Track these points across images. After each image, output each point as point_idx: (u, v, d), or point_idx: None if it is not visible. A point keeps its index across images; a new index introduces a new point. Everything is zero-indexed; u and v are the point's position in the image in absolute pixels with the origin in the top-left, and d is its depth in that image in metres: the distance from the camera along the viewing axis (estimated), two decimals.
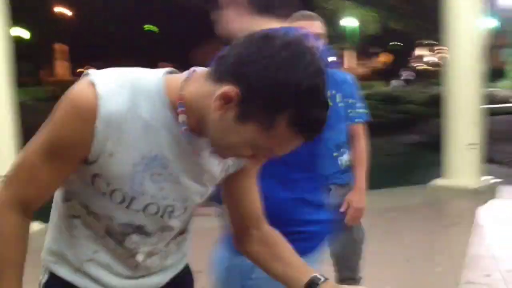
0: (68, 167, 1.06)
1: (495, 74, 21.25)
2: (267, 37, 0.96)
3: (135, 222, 1.13)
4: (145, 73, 1.06)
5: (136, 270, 1.20)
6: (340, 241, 2.61)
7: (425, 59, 32.27)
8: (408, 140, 13.45)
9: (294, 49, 0.95)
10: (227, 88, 0.95)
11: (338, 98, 2.54)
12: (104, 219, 1.13)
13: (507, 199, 6.03)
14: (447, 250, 4.48)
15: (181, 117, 1.02)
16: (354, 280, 2.70)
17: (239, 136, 0.98)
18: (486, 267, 4.03)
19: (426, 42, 22.57)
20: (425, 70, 28.27)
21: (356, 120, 2.64)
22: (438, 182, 6.21)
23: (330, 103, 2.69)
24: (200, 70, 1.06)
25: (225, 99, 0.95)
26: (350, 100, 2.60)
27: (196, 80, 1.03)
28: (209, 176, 1.14)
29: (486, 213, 5.61)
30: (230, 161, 1.16)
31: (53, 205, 1.22)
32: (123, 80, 1.02)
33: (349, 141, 2.63)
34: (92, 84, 1.00)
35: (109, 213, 1.12)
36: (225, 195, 1.25)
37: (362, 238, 2.71)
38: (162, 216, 1.14)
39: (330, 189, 2.51)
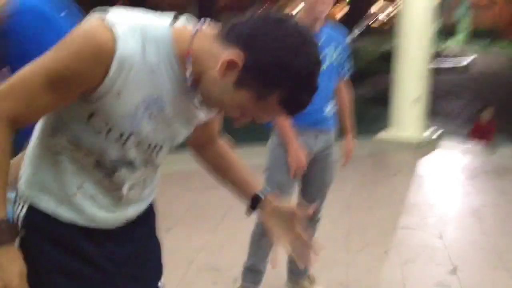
0: (68, 100, 1.09)
1: (447, 32, 21.70)
2: (281, 20, 1.05)
3: (126, 158, 1.19)
4: (153, 19, 1.11)
5: (119, 203, 1.25)
6: (312, 181, 2.80)
7: (380, 15, 32.48)
8: (358, 94, 13.71)
9: (302, 37, 1.05)
10: (235, 55, 1.03)
11: (335, 53, 2.69)
12: (95, 154, 1.17)
13: (446, 152, 6.36)
14: (387, 198, 4.74)
15: (189, 71, 1.10)
16: (313, 220, 2.87)
17: (232, 99, 1.08)
18: (422, 213, 4.32)
19: None
20: (379, 26, 28.49)
21: (346, 75, 2.85)
22: (384, 134, 6.46)
23: (330, 60, 2.76)
24: (208, 26, 1.12)
25: (231, 65, 1.04)
26: (345, 57, 2.77)
27: (205, 37, 1.10)
28: (197, 121, 1.25)
29: (426, 164, 5.93)
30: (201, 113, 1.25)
31: (34, 137, 1.23)
32: (135, 23, 1.07)
33: (336, 93, 2.81)
34: (110, 24, 1.04)
35: (101, 149, 1.16)
36: None
37: (331, 182, 2.88)
38: (151, 153, 1.22)
39: (316, 134, 2.71)
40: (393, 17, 21.64)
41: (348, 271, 3.30)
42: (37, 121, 1.19)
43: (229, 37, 1.06)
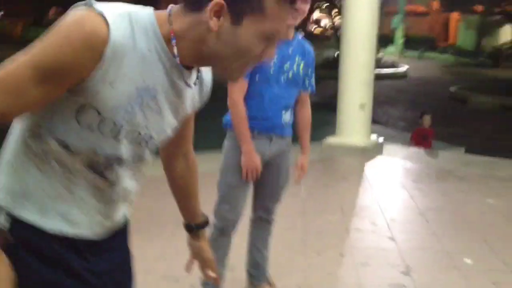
0: (58, 93, 1.04)
1: (383, 40, 22.41)
2: None
3: (117, 152, 1.15)
4: (136, 7, 1.09)
5: (110, 205, 1.22)
6: (267, 184, 2.83)
7: (322, 22, 33.20)
8: None
9: None
10: (214, 1, 1.02)
11: (302, 64, 2.71)
12: (85, 153, 1.12)
13: (391, 156, 6.57)
14: (339, 202, 4.84)
15: (176, 49, 1.08)
16: (267, 221, 2.92)
17: (244, 37, 1.05)
18: (372, 216, 4.45)
19: (325, 5, 23.27)
20: (321, 33, 29.13)
21: (309, 89, 2.84)
22: (332, 140, 6.60)
23: (295, 70, 2.84)
24: (175, 7, 1.11)
25: (216, 11, 1.02)
26: (310, 70, 2.78)
27: (177, 16, 1.08)
28: (182, 111, 1.23)
29: (372, 168, 6.10)
30: (196, 96, 1.26)
31: (12, 141, 1.17)
32: (122, 11, 1.05)
33: (297, 107, 2.82)
34: (99, 12, 1.01)
35: (92, 146, 1.11)
36: None
37: (284, 185, 2.90)
38: (141, 145, 1.18)
39: (271, 139, 2.73)
40: (334, 24, 22.17)
41: (306, 275, 3.35)
42: (18, 115, 1.10)
43: (194, 1, 1.06)
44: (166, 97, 1.14)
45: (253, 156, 2.63)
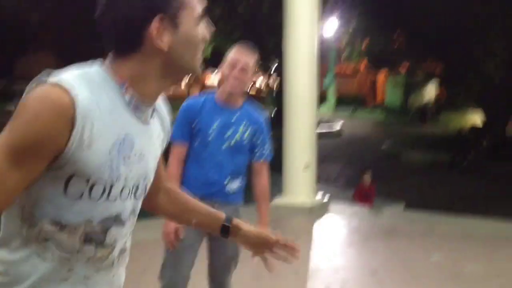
0: (39, 167, 1.03)
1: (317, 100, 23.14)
2: None
3: (113, 212, 1.14)
4: (84, 67, 1.11)
5: (111, 273, 1.20)
6: (216, 256, 2.78)
7: (257, 83, 34.05)
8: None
9: None
10: (153, 25, 1.08)
11: (248, 132, 2.68)
12: (81, 227, 1.11)
13: (337, 215, 6.68)
14: (291, 264, 4.79)
15: (128, 93, 1.12)
16: None
17: (189, 32, 1.13)
18: (326, 278, 4.45)
19: (259, 65, 24.00)
20: (256, 94, 29.82)
21: (263, 158, 2.77)
22: (279, 201, 6.64)
23: (238, 138, 2.82)
24: (112, 57, 1.13)
25: (158, 33, 1.08)
26: (260, 139, 2.73)
27: (120, 64, 1.12)
28: (155, 150, 1.24)
29: (321, 228, 6.16)
30: (161, 132, 1.27)
31: (5, 227, 1.13)
32: (75, 75, 1.07)
33: (252, 176, 2.78)
34: (57, 82, 1.02)
35: (87, 216, 1.10)
36: None
37: (236, 256, 2.82)
38: (132, 198, 1.18)
39: (213, 206, 2.65)
40: (269, 85, 22.77)
41: None
42: (8, 205, 1.07)
43: (121, 42, 1.10)
44: (141, 140, 1.16)
45: (168, 225, 2.60)
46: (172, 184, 1.48)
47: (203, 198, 2.62)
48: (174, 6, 1.10)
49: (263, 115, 2.81)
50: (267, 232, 1.49)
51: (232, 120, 2.66)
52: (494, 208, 8.55)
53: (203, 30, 1.16)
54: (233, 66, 2.61)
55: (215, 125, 2.63)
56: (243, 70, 2.58)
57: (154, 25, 1.08)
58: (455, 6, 13.05)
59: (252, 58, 2.64)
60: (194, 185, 2.57)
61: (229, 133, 2.65)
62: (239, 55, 2.62)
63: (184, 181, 2.66)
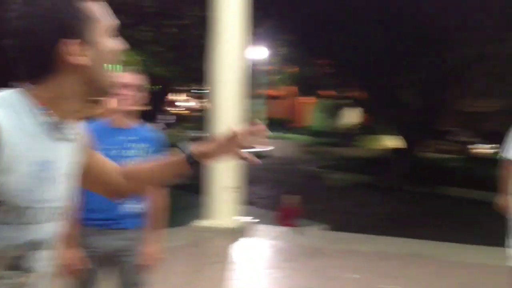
0: None
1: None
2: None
3: (33, 236, 1.11)
4: (2, 92, 1.10)
5: None
6: (118, 283, 2.66)
7: (184, 104, 33.93)
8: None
9: None
10: (69, 48, 1.08)
11: (142, 153, 2.62)
12: (5, 253, 1.08)
13: (261, 237, 6.62)
14: (214, 287, 4.69)
15: (48, 116, 1.11)
16: None
17: (103, 44, 1.14)
18: None
19: (180, 88, 23.97)
20: (180, 115, 29.70)
21: None
22: (199, 223, 6.51)
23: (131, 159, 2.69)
24: (27, 82, 1.12)
25: (67, 46, 1.08)
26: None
27: (38, 87, 1.11)
28: (75, 168, 1.23)
29: (245, 250, 6.07)
30: (81, 152, 1.26)
31: None
32: None
33: (148, 197, 2.67)
34: None
35: (9, 242, 1.08)
36: (87, 176, 1.31)
37: (137, 281, 2.70)
38: (50, 221, 1.15)
39: (106, 234, 2.59)
40: (199, 106, 22.75)
41: None
42: None
43: (31, 73, 1.09)
44: (59, 162, 1.14)
45: (66, 251, 2.48)
46: (124, 167, 1.42)
47: (93, 226, 2.54)
48: (80, 23, 1.10)
49: (157, 134, 2.75)
50: (225, 134, 1.38)
51: (126, 141, 2.61)
52: (409, 228, 8.92)
53: (112, 43, 1.17)
54: (117, 86, 2.54)
55: (109, 146, 2.51)
56: (126, 87, 2.57)
57: (63, 45, 1.08)
58: (380, 38, 13.62)
59: (136, 78, 2.64)
60: (88, 213, 2.48)
61: (123, 153, 2.57)
62: (121, 77, 2.58)
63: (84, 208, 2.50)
